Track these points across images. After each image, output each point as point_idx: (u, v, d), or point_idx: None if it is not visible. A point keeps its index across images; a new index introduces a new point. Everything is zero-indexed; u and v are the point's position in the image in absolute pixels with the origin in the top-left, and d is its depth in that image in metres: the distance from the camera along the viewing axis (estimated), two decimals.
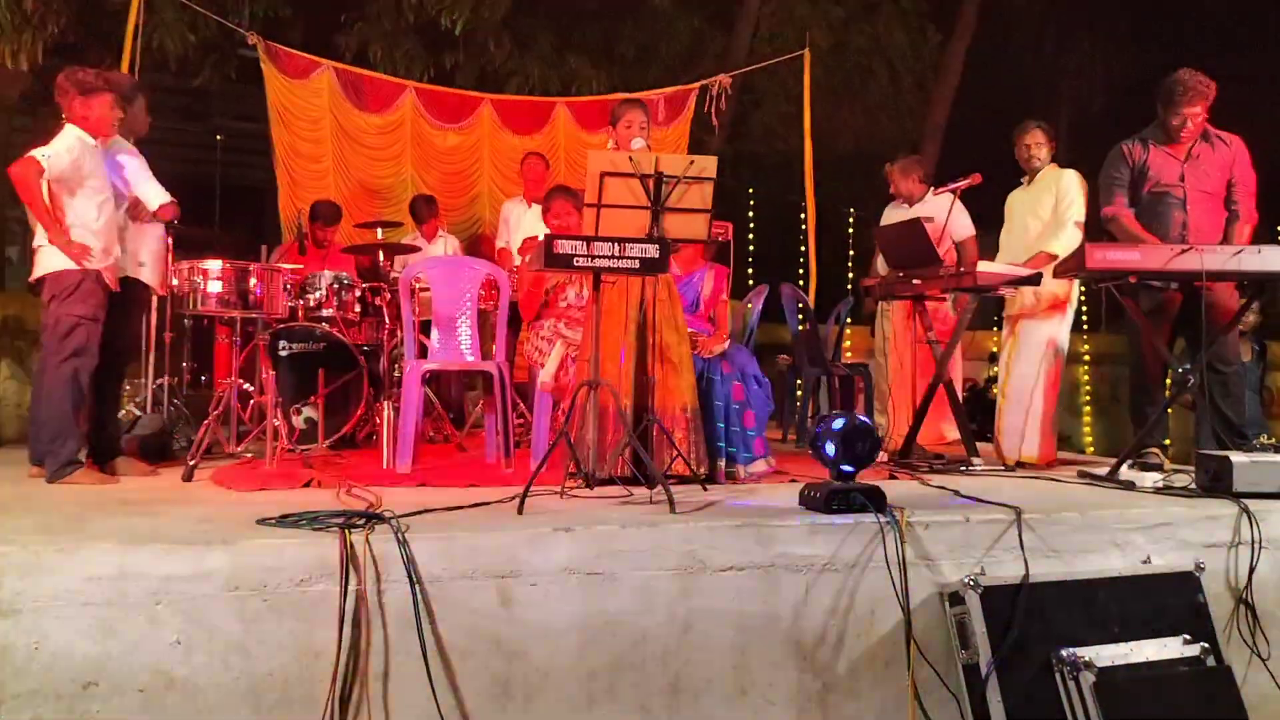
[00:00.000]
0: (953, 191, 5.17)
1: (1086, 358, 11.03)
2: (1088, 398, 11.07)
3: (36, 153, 4.05)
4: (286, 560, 2.69)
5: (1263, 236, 4.89)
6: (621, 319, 4.01)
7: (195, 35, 8.66)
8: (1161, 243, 4.50)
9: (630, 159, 3.67)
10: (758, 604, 3.01)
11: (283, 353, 5.27)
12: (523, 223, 6.84)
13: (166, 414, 5.21)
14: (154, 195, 4.60)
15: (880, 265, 6.29)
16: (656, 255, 3.50)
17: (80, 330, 4.09)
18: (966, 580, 3.08)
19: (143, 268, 4.58)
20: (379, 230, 5.95)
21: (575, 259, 3.44)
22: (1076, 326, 5.99)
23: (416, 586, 2.74)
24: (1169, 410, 4.65)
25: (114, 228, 4.31)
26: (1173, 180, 4.79)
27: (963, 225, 5.96)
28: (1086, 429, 10.91)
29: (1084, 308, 11.17)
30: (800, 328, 6.70)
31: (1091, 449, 10.39)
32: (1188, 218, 4.77)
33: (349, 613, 2.69)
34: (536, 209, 6.50)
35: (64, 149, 4.11)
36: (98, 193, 4.23)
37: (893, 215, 6.18)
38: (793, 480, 4.18)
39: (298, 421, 5.26)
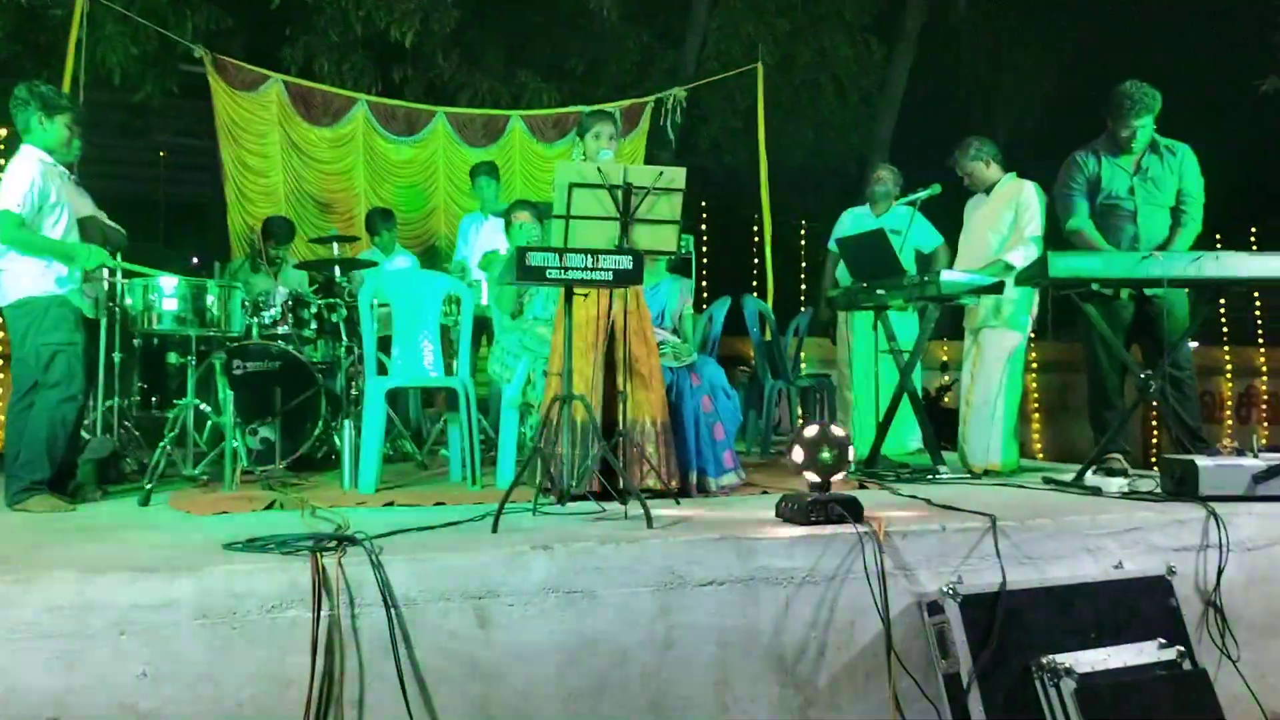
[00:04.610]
0: (911, 204, 5.22)
1: (1034, 365, 11.18)
2: (1036, 404, 11.23)
3: (4, 203, 3.82)
4: (256, 586, 2.59)
5: (1231, 241, 4.97)
6: (590, 332, 3.96)
7: (137, 49, 8.45)
8: None
9: (598, 170, 3.63)
10: (738, 618, 2.97)
11: (237, 372, 5.14)
12: (480, 236, 6.76)
13: (117, 437, 5.06)
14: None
15: (831, 275, 6.36)
16: (630, 267, 3.45)
17: (60, 358, 3.91)
18: (945, 589, 3.07)
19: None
20: (334, 245, 5.84)
21: (548, 271, 3.38)
22: None
23: (392, 610, 2.66)
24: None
25: None
26: (1123, 193, 4.87)
27: (930, 235, 6.03)
28: (1036, 435, 11.06)
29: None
30: (764, 339, 6.70)
31: (1042, 455, 10.54)
32: (1139, 230, 4.84)
33: (322, 639, 2.60)
34: (496, 222, 6.42)
35: (27, 181, 3.88)
36: (60, 214, 4.00)
37: (854, 222, 6.21)
38: (764, 492, 4.17)
39: (254, 441, 5.13)
